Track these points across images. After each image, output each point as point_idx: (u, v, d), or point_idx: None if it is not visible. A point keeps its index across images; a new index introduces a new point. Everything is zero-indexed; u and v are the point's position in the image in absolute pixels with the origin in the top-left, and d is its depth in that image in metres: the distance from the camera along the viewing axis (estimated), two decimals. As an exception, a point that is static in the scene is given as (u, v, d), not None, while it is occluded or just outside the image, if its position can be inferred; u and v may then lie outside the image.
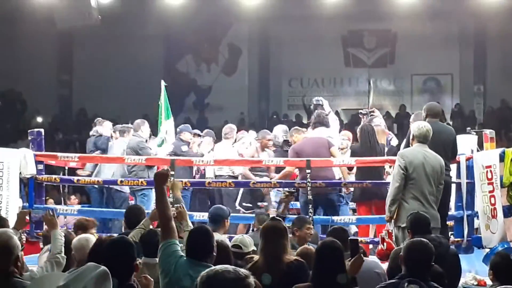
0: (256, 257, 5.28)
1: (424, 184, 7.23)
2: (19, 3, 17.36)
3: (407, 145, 7.80)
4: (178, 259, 4.70)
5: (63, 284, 2.95)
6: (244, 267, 4.97)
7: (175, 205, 6.37)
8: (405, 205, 7.21)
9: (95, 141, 11.11)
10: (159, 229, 6.01)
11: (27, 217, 6.92)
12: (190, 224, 5.95)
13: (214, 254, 4.73)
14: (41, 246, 7.84)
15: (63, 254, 5.71)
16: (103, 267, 3.08)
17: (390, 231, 7.28)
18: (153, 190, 9.81)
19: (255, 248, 5.83)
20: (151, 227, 6.35)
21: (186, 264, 4.60)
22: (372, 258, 5.86)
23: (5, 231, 4.46)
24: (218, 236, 6.17)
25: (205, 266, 4.46)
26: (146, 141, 10.47)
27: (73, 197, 13.36)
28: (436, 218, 7.18)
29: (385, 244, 7.15)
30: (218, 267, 2.77)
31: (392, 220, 7.25)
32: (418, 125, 7.56)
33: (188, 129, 10.95)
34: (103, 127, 11.26)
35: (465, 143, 8.79)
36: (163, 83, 11.15)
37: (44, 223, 8.67)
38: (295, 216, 8.08)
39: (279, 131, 10.51)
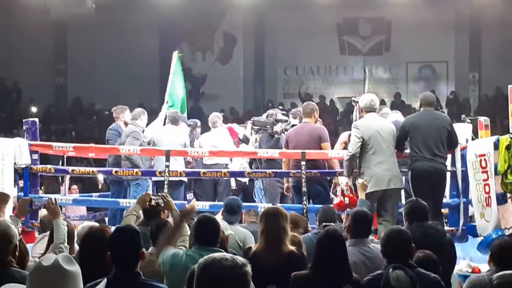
0: (254, 246, 5.36)
1: (383, 149, 7.84)
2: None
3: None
4: (183, 253, 4.89)
5: None
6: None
7: (159, 193, 6.55)
8: (369, 172, 7.75)
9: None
10: (166, 219, 6.14)
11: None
12: (178, 212, 6.10)
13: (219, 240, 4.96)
14: (37, 235, 7.84)
15: (66, 244, 5.61)
16: None
17: (350, 185, 7.83)
18: (147, 180, 9.90)
19: (232, 232, 5.96)
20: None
21: (196, 250, 4.77)
22: None
23: (3, 220, 4.45)
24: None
25: (215, 250, 4.64)
26: (143, 131, 10.42)
27: (74, 186, 13.34)
28: (399, 178, 7.92)
29: (346, 198, 7.77)
30: (216, 254, 2.79)
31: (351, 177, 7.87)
32: (362, 98, 8.21)
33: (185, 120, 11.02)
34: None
35: (460, 132, 8.81)
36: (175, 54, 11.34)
37: (38, 213, 8.77)
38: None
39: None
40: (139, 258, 4.15)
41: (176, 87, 11.43)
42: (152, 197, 6.45)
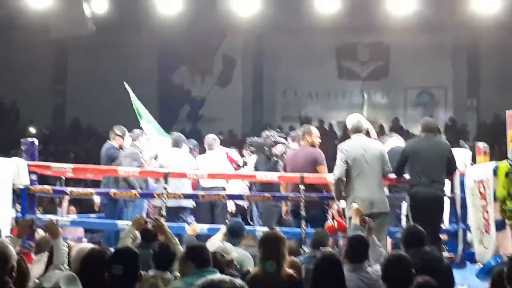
0: (253, 270, 5.35)
1: (367, 172, 7.78)
2: (14, 11, 17.36)
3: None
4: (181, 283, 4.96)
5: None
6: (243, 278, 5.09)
7: (153, 217, 6.60)
8: (353, 195, 7.71)
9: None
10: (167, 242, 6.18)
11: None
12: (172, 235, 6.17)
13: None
14: (33, 256, 7.79)
15: (66, 265, 5.44)
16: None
17: (340, 210, 7.83)
18: (144, 201, 9.91)
19: (237, 255, 6.08)
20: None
21: (194, 274, 4.83)
22: None
23: (0, 240, 4.43)
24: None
25: (211, 271, 4.81)
26: (141, 152, 10.42)
27: (72, 208, 13.28)
28: (384, 202, 7.80)
29: (335, 221, 7.80)
30: (215, 276, 2.81)
31: (342, 201, 7.84)
32: (349, 119, 8.20)
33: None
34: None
35: (459, 157, 8.81)
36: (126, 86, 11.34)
37: (34, 234, 8.71)
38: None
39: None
40: (137, 280, 4.17)
41: (145, 113, 11.53)
42: (147, 219, 6.53)
